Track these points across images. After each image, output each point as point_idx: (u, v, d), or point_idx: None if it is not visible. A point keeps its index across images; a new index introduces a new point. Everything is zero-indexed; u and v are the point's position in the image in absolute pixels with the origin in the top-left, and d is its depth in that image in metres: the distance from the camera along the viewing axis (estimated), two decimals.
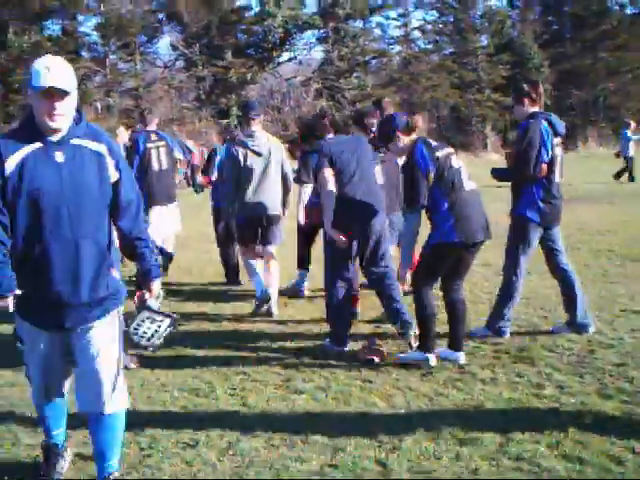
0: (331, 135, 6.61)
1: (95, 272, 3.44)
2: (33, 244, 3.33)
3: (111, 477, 3.63)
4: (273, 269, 7.49)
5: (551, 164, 5.99)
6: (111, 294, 3.56)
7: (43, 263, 3.34)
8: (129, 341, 3.76)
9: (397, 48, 46.01)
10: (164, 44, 42.16)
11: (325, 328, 6.44)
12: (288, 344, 6.29)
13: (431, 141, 5.48)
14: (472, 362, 5.54)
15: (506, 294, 6.17)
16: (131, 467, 3.96)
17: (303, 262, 8.37)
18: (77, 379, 3.63)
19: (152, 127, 8.68)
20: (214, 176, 9.16)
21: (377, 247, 6.05)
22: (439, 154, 5.34)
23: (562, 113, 43.82)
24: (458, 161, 5.45)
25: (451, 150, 5.52)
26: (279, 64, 42.71)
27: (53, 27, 39.57)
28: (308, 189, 7.70)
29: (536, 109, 6.09)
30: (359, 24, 43.35)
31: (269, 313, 7.30)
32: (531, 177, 5.95)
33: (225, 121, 28.23)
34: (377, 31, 45.37)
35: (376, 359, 5.62)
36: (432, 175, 5.25)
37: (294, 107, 39.12)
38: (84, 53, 38.41)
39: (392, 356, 5.68)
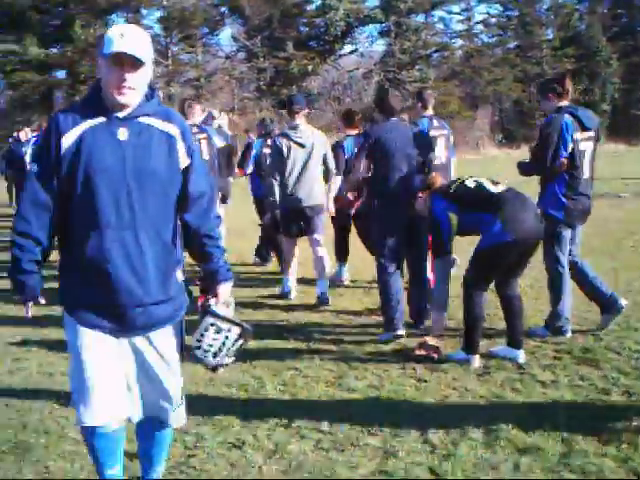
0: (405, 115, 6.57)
1: (159, 270, 3.01)
2: (88, 232, 2.91)
3: None
4: (321, 257, 7.53)
5: (574, 159, 5.76)
6: (175, 298, 3.13)
7: (101, 255, 2.91)
8: (192, 357, 3.20)
9: (459, 42, 45.45)
10: (226, 36, 42.54)
11: (380, 321, 6.29)
12: (341, 337, 6.16)
13: (442, 186, 5.56)
14: (532, 362, 5.31)
15: (555, 292, 5.95)
16: (175, 467, 3.82)
17: (340, 254, 8.50)
18: (143, 388, 3.15)
19: (193, 120, 8.61)
20: (249, 169, 9.31)
21: (418, 238, 6.11)
22: (452, 189, 5.42)
23: (632, 106, 42.95)
24: (472, 180, 5.39)
25: (465, 177, 5.50)
26: (340, 56, 42.56)
27: (117, 20, 40.16)
28: (337, 181, 7.80)
29: (564, 103, 5.89)
30: (421, 18, 42.94)
31: (324, 300, 7.31)
32: (550, 172, 5.76)
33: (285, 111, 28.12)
34: (439, 25, 44.91)
35: (435, 356, 5.45)
36: (453, 216, 5.28)
37: (355, 99, 38.95)
38: None
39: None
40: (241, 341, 3.15)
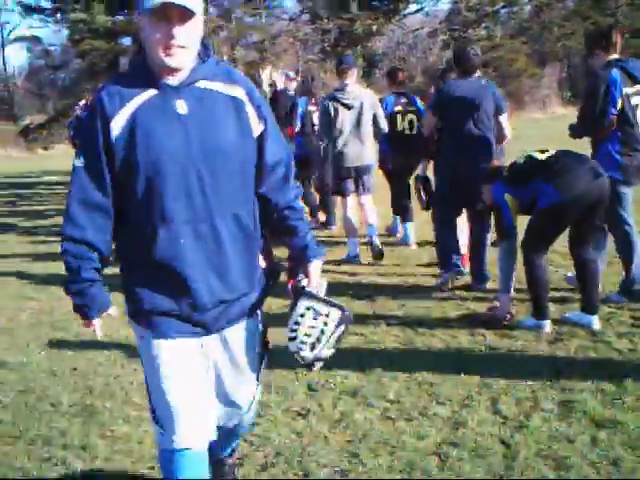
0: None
1: (242, 260, 2.58)
2: (156, 229, 2.45)
3: (227, 461, 3.22)
4: (370, 215, 7.69)
5: (626, 115, 5.50)
6: (257, 288, 2.70)
7: (173, 254, 2.47)
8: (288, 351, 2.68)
9: None
10: None
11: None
12: (407, 302, 6.05)
13: (498, 173, 5.42)
14: (607, 329, 5.08)
15: (625, 253, 5.71)
16: None
17: (397, 210, 8.60)
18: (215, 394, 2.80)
19: None
20: (297, 127, 9.47)
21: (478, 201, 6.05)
22: (506, 172, 5.33)
23: None
24: (522, 157, 5.27)
25: (520, 154, 5.33)
26: (405, 16, 41.85)
27: None
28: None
29: (613, 57, 5.61)
30: None
31: (376, 247, 7.53)
32: (600, 131, 5.53)
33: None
34: None
35: (507, 316, 5.34)
36: (510, 197, 5.17)
37: (421, 58, 38.40)
38: (211, 9, 38.76)
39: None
40: (342, 327, 2.62)
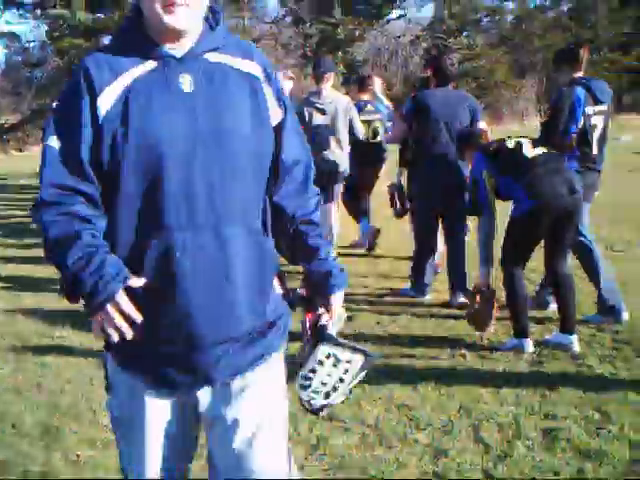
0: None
1: (254, 282, 2.02)
2: (147, 236, 1.91)
3: None
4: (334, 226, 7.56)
5: (585, 134, 5.50)
6: (273, 321, 2.12)
7: (165, 269, 1.91)
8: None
9: (511, 5, 44.32)
10: (273, 1, 42.04)
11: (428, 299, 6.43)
12: (385, 318, 5.92)
13: (486, 144, 5.41)
14: (588, 353, 4.99)
15: (589, 268, 5.66)
16: None
17: (356, 216, 8.66)
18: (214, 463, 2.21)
19: None
20: None
21: (457, 214, 6.13)
22: (492, 147, 5.26)
23: None
24: (514, 141, 5.17)
25: (513, 139, 5.21)
26: (388, 21, 41.93)
27: None
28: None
29: (578, 74, 5.62)
30: None
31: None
32: (560, 148, 5.45)
33: None
34: None
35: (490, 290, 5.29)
36: (488, 175, 5.09)
37: (401, 65, 38.43)
38: None
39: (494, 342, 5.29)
40: (363, 373, 2.22)
